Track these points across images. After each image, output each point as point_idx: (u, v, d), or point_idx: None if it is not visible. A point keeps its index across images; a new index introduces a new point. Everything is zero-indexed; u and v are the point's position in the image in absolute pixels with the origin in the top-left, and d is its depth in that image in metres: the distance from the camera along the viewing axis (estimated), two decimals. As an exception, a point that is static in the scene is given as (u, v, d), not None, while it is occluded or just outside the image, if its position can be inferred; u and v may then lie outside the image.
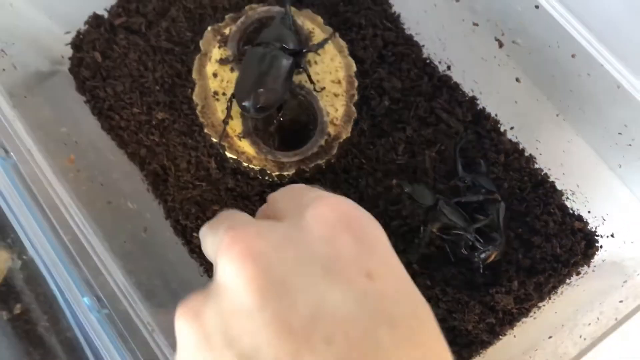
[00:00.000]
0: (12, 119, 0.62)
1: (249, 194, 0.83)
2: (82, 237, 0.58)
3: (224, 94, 0.82)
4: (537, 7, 0.61)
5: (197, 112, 0.81)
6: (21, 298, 0.59)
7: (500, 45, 0.71)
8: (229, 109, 0.79)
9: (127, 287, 0.57)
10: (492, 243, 0.76)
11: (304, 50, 0.80)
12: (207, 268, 0.81)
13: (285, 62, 0.76)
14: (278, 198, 0.52)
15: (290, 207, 0.46)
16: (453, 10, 0.74)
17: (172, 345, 0.56)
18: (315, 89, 0.80)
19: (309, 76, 0.80)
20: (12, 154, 0.62)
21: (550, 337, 0.63)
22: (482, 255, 0.76)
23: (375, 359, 0.35)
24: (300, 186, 0.54)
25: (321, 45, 0.81)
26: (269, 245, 0.40)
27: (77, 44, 0.91)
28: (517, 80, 0.72)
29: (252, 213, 0.80)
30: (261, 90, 0.75)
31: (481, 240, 0.75)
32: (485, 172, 0.78)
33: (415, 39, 0.87)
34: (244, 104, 0.76)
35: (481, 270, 0.76)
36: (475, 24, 0.72)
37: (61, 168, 0.62)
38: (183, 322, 0.41)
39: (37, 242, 0.57)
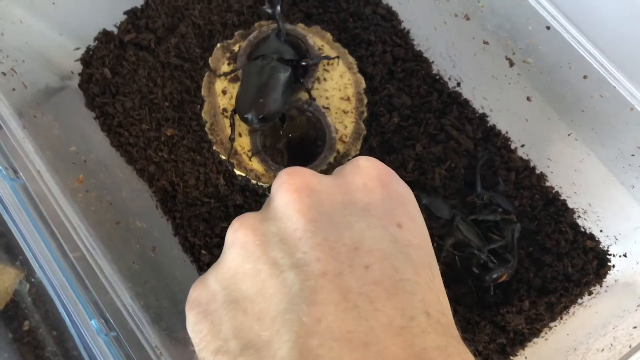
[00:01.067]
0: (22, 139, 0.62)
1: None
2: (91, 259, 0.58)
3: (233, 111, 0.82)
4: (548, 28, 0.61)
5: (206, 129, 0.81)
6: (29, 320, 0.59)
7: (511, 64, 0.71)
8: (232, 125, 0.79)
9: (135, 310, 0.57)
10: (504, 264, 0.75)
11: (303, 64, 0.80)
12: (216, 286, 0.81)
13: (284, 72, 0.76)
14: None
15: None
16: (463, 28, 0.73)
17: (180, 369, 0.56)
18: (281, 132, 0.81)
19: (308, 91, 0.80)
20: (21, 174, 0.62)
21: (562, 362, 0.62)
22: (493, 276, 0.75)
23: (402, 289, 0.41)
24: None
25: (317, 60, 0.80)
26: (322, 185, 0.48)
27: (87, 59, 0.91)
28: (528, 99, 0.71)
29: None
30: (262, 100, 0.75)
31: (494, 262, 0.74)
32: (503, 191, 0.77)
33: (424, 55, 0.87)
34: (246, 115, 0.76)
35: (491, 292, 0.76)
36: (486, 42, 0.71)
37: (70, 189, 0.62)
38: (241, 234, 0.47)
39: (46, 264, 0.57)
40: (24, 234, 0.58)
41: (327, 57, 0.81)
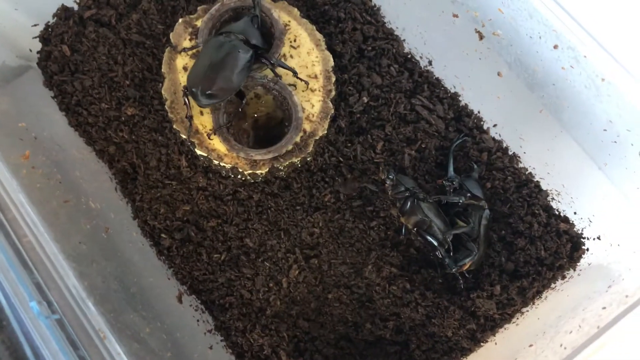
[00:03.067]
0: (-38, 112, 0.58)
1: (222, 194, 0.79)
2: (33, 237, 0.54)
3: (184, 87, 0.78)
4: (517, -5, 0.58)
5: (166, 107, 0.78)
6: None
7: (481, 37, 0.68)
8: (187, 103, 0.75)
9: (78, 291, 0.54)
10: (467, 251, 0.72)
11: (269, 61, 0.76)
12: (175, 271, 0.78)
13: (244, 53, 0.73)
14: None
15: None
16: (432, 1, 0.70)
17: (124, 352, 0.53)
18: (241, 108, 0.78)
19: (272, 68, 0.76)
20: (-38, 148, 0.58)
21: (530, 346, 0.59)
22: (458, 264, 0.72)
23: None
24: None
25: (282, 65, 0.76)
26: None
27: (46, 37, 0.87)
28: (499, 74, 0.69)
29: (224, 213, 0.77)
30: (212, 76, 0.72)
31: (449, 246, 0.72)
32: (476, 178, 0.74)
33: (395, 32, 0.84)
34: (193, 89, 0.73)
35: (461, 283, 0.73)
36: (455, 16, 0.68)
37: (13, 164, 0.58)
38: None
39: (-18, 241, 0.53)
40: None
41: (294, 72, 0.77)
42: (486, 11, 0.64)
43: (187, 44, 0.80)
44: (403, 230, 0.76)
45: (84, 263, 0.57)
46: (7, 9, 0.83)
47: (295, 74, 0.76)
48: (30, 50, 0.87)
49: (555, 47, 0.59)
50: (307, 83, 0.77)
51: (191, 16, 0.81)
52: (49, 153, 0.69)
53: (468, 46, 0.69)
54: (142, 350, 0.56)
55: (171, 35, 0.80)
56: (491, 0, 0.61)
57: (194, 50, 0.79)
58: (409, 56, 0.84)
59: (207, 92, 0.71)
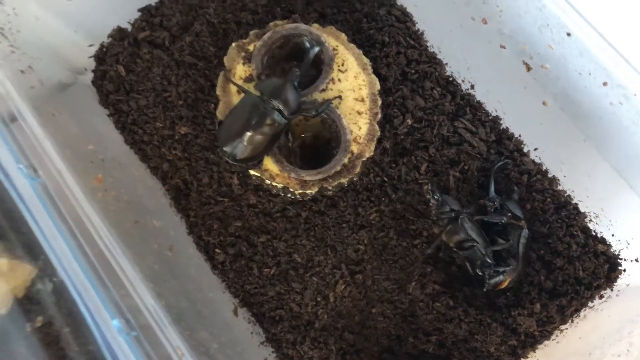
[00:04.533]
0: (42, 138, 0.62)
1: (271, 211, 0.83)
2: (113, 259, 0.58)
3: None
4: (569, 34, 0.61)
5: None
6: (52, 320, 0.59)
7: (528, 69, 0.71)
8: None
9: (156, 310, 0.58)
10: (506, 268, 0.75)
11: (310, 115, 0.78)
12: (228, 285, 0.81)
13: (277, 126, 0.75)
14: None
15: None
16: (480, 31, 0.74)
17: (201, 369, 0.57)
18: (290, 144, 0.80)
19: (287, 134, 0.79)
20: (40, 173, 0.62)
21: (576, 366, 0.63)
22: (494, 280, 0.76)
23: None
24: None
25: (319, 113, 0.78)
26: None
27: (100, 56, 0.91)
28: (544, 103, 0.72)
29: (274, 229, 0.81)
30: (241, 145, 0.75)
31: (492, 261, 0.75)
32: (516, 199, 0.78)
33: (438, 57, 0.87)
34: (224, 148, 0.76)
35: (484, 288, 0.76)
36: (503, 47, 0.72)
37: (90, 188, 0.62)
38: None
39: (67, 264, 0.57)
40: (45, 233, 0.59)
41: (329, 102, 0.79)
42: (535, 46, 0.67)
43: (240, 67, 0.84)
44: (443, 249, 0.80)
45: (158, 283, 0.61)
46: (67, 31, 0.87)
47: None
48: (85, 70, 0.91)
49: (605, 84, 0.62)
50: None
51: (244, 40, 0.85)
52: (115, 173, 0.73)
53: (514, 75, 0.73)
54: (214, 366, 0.60)
55: (225, 59, 0.84)
56: (541, 36, 0.64)
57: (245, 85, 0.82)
58: (451, 79, 0.87)
59: (237, 158, 0.75)
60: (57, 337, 0.57)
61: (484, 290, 0.76)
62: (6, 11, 0.74)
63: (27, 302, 0.70)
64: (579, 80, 0.65)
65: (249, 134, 0.75)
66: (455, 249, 0.77)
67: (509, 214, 0.76)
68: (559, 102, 0.71)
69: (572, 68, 0.65)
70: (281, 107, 0.75)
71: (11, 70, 0.65)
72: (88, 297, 0.56)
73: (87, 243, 0.58)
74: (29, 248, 0.61)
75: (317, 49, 0.75)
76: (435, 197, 0.78)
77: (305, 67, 0.76)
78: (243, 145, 0.75)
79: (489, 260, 0.75)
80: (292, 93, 0.75)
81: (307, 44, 0.77)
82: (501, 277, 0.75)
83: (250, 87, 0.82)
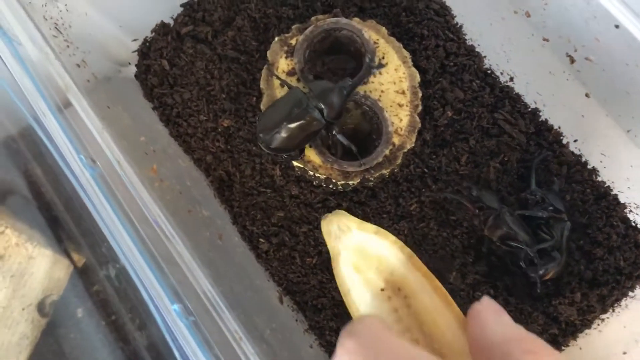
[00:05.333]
0: (100, 129, 0.64)
1: (312, 202, 0.85)
2: (172, 247, 0.60)
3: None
4: (617, 26, 0.62)
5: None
6: (114, 307, 0.61)
7: (572, 61, 0.72)
8: None
9: (214, 296, 0.60)
10: (551, 261, 0.77)
11: (332, 132, 0.80)
12: (272, 273, 0.83)
13: (316, 125, 0.77)
14: None
15: None
16: (523, 24, 0.74)
17: (257, 353, 0.58)
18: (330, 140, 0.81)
19: (328, 134, 0.80)
20: (98, 163, 0.64)
21: (624, 353, 0.64)
22: (540, 272, 0.77)
23: None
24: None
25: (342, 141, 0.80)
26: None
27: (144, 51, 0.93)
28: (587, 95, 0.73)
29: (315, 220, 0.82)
30: (278, 135, 0.77)
31: (538, 258, 0.76)
32: (557, 191, 0.79)
33: (477, 49, 0.88)
34: (260, 135, 0.79)
35: (538, 289, 0.77)
36: (546, 40, 0.72)
37: (148, 178, 0.64)
38: None
39: (129, 252, 0.59)
40: (105, 221, 0.61)
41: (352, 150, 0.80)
42: (581, 38, 0.68)
43: (283, 61, 0.85)
44: (485, 242, 0.81)
45: (214, 269, 0.63)
46: (112, 26, 0.89)
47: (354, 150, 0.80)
48: (129, 63, 0.93)
49: (653, 74, 0.63)
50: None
51: (286, 35, 0.87)
52: (165, 164, 0.75)
53: (556, 68, 0.73)
54: (269, 350, 0.62)
55: (268, 53, 0.86)
56: (588, 29, 0.65)
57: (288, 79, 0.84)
58: (489, 72, 0.88)
59: (271, 147, 0.78)
60: (121, 322, 0.60)
61: (531, 280, 0.77)
62: (59, 7, 0.76)
63: (79, 287, 0.74)
64: (626, 72, 0.66)
65: (286, 125, 0.77)
66: (498, 244, 0.78)
67: (551, 207, 0.77)
68: (602, 94, 0.71)
69: (619, 60, 0.65)
70: (324, 109, 0.76)
71: (69, 64, 0.67)
72: (149, 283, 0.58)
73: (147, 231, 0.60)
74: (89, 238, 0.64)
75: (375, 70, 0.77)
76: (474, 192, 0.79)
77: (359, 80, 0.77)
78: (279, 135, 0.77)
79: (535, 259, 0.76)
80: (338, 99, 0.76)
81: (368, 60, 0.78)
82: (545, 269, 0.76)
83: (292, 80, 0.84)
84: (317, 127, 0.77)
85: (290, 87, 0.81)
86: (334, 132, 0.79)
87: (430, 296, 0.61)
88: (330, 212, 0.84)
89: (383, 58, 0.85)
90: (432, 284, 0.63)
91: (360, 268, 0.66)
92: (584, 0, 0.62)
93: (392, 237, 0.67)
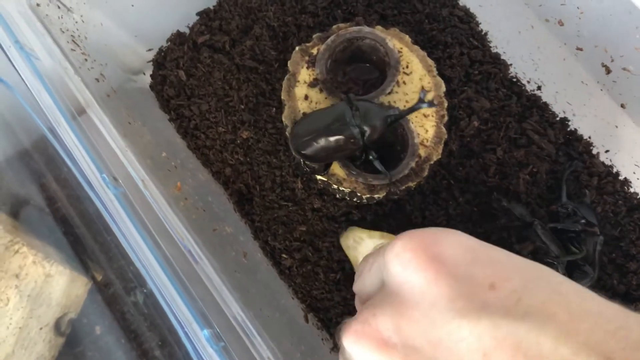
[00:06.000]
0: (124, 148, 0.62)
1: (335, 215, 0.82)
2: (199, 269, 0.58)
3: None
4: (660, 36, 0.60)
5: (287, 133, 0.81)
6: (143, 330, 0.59)
7: (608, 71, 0.70)
8: None
9: (244, 319, 0.57)
10: (584, 277, 0.74)
11: (366, 157, 0.77)
12: (296, 290, 0.81)
13: (352, 144, 0.73)
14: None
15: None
16: (553, 33, 0.72)
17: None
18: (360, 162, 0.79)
19: (362, 156, 0.77)
20: (121, 182, 0.62)
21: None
22: None
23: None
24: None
25: (378, 167, 0.77)
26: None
27: (159, 61, 0.91)
28: (622, 106, 0.71)
29: (339, 233, 0.80)
30: (312, 148, 0.75)
31: (566, 274, 0.73)
32: (588, 203, 0.76)
33: (502, 57, 0.86)
34: (293, 141, 0.76)
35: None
36: (579, 49, 0.70)
37: (173, 197, 0.62)
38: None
39: (156, 275, 0.57)
40: (131, 244, 0.59)
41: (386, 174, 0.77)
42: (619, 48, 0.66)
43: (304, 71, 0.83)
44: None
45: (243, 292, 0.61)
46: (128, 36, 0.87)
47: (388, 176, 0.77)
48: (144, 74, 0.91)
49: (695, 87, 0.61)
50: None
51: (307, 44, 0.84)
52: (187, 181, 0.73)
53: (589, 77, 0.71)
54: (302, 376, 0.60)
55: (289, 63, 0.83)
56: (627, 39, 0.63)
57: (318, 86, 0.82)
58: (515, 80, 0.86)
59: (303, 153, 0.75)
60: (147, 347, 0.57)
61: None
62: (75, 18, 0.74)
63: (97, 305, 0.71)
64: (667, 82, 0.64)
65: (323, 136, 0.74)
66: (529, 257, 0.76)
67: (583, 220, 0.75)
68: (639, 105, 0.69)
69: (659, 70, 0.63)
70: (366, 131, 0.73)
71: (88, 79, 0.65)
72: (177, 307, 0.56)
73: (174, 253, 0.58)
74: (112, 259, 0.61)
75: (425, 105, 0.74)
76: (504, 205, 0.77)
77: (408, 112, 0.74)
78: (314, 142, 0.75)
79: (561, 272, 0.74)
80: (381, 124, 0.73)
81: (422, 96, 0.75)
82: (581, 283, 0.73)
83: (316, 90, 0.82)
84: (353, 145, 0.74)
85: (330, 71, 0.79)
86: (370, 157, 0.75)
87: None
88: (353, 225, 0.82)
89: (407, 67, 0.83)
90: None
91: None
92: (626, 11, 0.60)
93: (393, 236, 0.74)
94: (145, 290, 0.57)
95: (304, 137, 0.76)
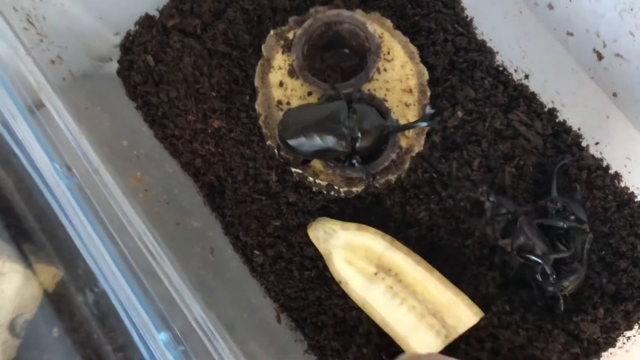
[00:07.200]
0: (77, 134, 0.57)
1: (312, 209, 0.78)
2: (158, 267, 0.53)
3: (288, 103, 0.77)
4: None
5: (260, 122, 0.76)
6: (93, 334, 0.54)
7: (600, 57, 0.66)
8: None
9: (206, 321, 0.53)
10: (572, 273, 0.71)
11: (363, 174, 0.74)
12: (268, 288, 0.77)
13: (340, 147, 0.70)
14: None
15: None
16: (543, 17, 0.68)
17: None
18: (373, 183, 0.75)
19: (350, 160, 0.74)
20: (75, 171, 0.57)
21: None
22: (564, 284, 0.71)
23: None
24: None
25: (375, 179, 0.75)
26: None
27: (127, 45, 0.86)
28: (614, 95, 0.67)
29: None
30: (301, 136, 0.71)
31: (554, 275, 0.70)
32: (579, 199, 0.73)
33: (488, 44, 0.82)
34: (281, 133, 0.72)
35: (561, 307, 0.71)
36: (570, 34, 0.66)
37: (131, 189, 0.57)
38: None
39: (110, 274, 0.52)
40: (83, 239, 0.54)
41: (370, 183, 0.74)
42: (612, 33, 0.62)
43: (279, 56, 0.78)
44: (498, 253, 0.75)
45: (206, 291, 0.56)
46: (91, 18, 0.82)
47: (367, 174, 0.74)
48: (111, 59, 0.86)
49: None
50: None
51: (282, 28, 0.80)
52: (151, 171, 0.68)
53: (580, 64, 0.67)
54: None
55: (263, 47, 0.79)
56: (621, 22, 0.59)
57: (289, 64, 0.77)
58: (501, 69, 0.82)
59: (283, 139, 0.71)
60: (99, 352, 0.53)
61: (548, 294, 0.71)
62: (31, -4, 0.69)
63: (54, 305, 0.66)
64: (662, 69, 0.60)
65: (312, 129, 0.70)
66: (514, 254, 0.72)
67: (572, 217, 0.71)
68: (633, 93, 0.65)
69: (654, 56, 0.60)
70: (357, 136, 0.70)
71: (42, 60, 0.60)
72: (132, 309, 0.51)
73: (131, 250, 0.53)
74: (64, 255, 0.56)
75: (427, 124, 0.71)
76: (491, 199, 0.73)
77: (407, 127, 0.72)
78: (300, 136, 0.71)
79: (548, 270, 0.70)
80: (375, 135, 0.70)
81: (428, 111, 0.71)
82: (566, 282, 0.70)
83: (293, 81, 0.77)
84: (340, 148, 0.71)
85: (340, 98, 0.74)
86: (353, 161, 0.72)
87: (415, 268, 0.71)
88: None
89: (388, 54, 0.79)
90: (415, 259, 0.71)
91: (351, 261, 0.72)
92: (620, -9, 0.56)
93: (372, 229, 0.72)
94: (97, 290, 0.53)
95: (293, 127, 0.71)
